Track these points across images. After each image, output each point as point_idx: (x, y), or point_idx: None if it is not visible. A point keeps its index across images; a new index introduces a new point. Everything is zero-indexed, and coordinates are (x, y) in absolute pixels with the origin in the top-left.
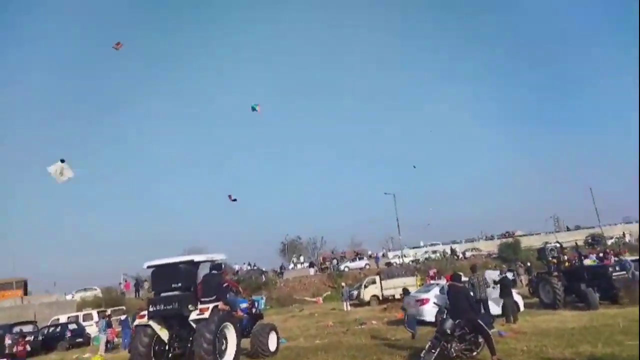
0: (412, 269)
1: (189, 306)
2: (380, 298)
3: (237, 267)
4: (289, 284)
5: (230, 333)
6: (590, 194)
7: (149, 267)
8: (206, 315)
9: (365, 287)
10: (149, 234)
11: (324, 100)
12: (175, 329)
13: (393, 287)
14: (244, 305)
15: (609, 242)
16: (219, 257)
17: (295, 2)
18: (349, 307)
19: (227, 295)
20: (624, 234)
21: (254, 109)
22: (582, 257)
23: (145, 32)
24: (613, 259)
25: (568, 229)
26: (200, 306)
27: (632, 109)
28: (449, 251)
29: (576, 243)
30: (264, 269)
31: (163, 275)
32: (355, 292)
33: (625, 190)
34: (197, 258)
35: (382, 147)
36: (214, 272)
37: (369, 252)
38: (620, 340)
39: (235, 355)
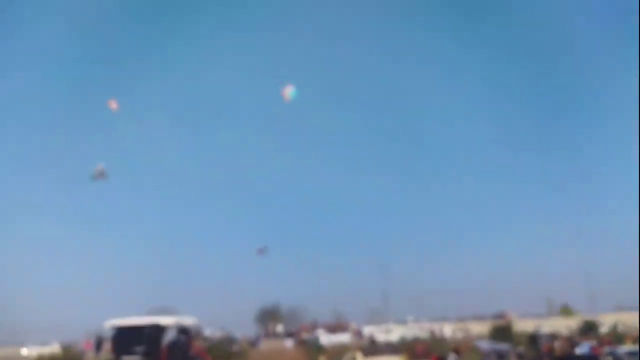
0: (398, 347)
1: None
2: None
3: (207, 332)
4: (262, 356)
5: None
6: (586, 279)
7: (111, 326)
8: None
9: None
10: (117, 286)
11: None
12: None
13: None
14: None
15: (602, 329)
16: (188, 320)
17: None
18: None
19: None
20: (616, 323)
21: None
22: (575, 345)
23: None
24: (606, 348)
25: (561, 313)
26: None
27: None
28: (438, 330)
29: (569, 330)
30: (236, 337)
31: (126, 337)
32: None
33: (620, 278)
34: (163, 321)
35: (375, 214)
36: (181, 337)
37: (353, 325)
38: None
39: None
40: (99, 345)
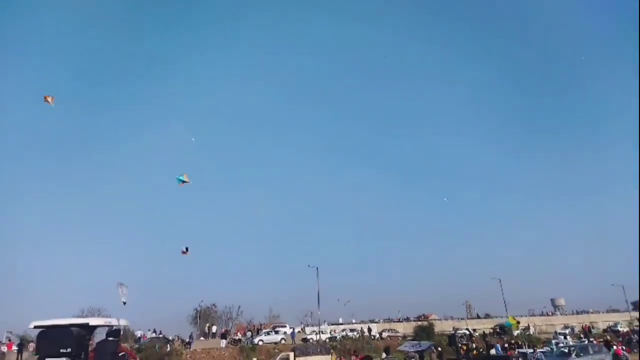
0: (328, 347)
1: None
2: None
3: (139, 334)
4: (196, 356)
5: None
6: (500, 285)
7: (36, 327)
8: None
9: None
10: (47, 289)
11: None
12: None
13: None
14: None
15: (515, 332)
16: (118, 322)
17: None
18: None
19: None
20: (528, 326)
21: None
22: (490, 346)
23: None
24: (517, 350)
25: (479, 317)
26: None
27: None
28: (366, 330)
29: (484, 332)
30: (170, 338)
31: (52, 338)
32: None
33: (530, 285)
34: (92, 322)
35: (310, 218)
36: (110, 338)
37: (287, 326)
38: None
39: None
40: (22, 346)
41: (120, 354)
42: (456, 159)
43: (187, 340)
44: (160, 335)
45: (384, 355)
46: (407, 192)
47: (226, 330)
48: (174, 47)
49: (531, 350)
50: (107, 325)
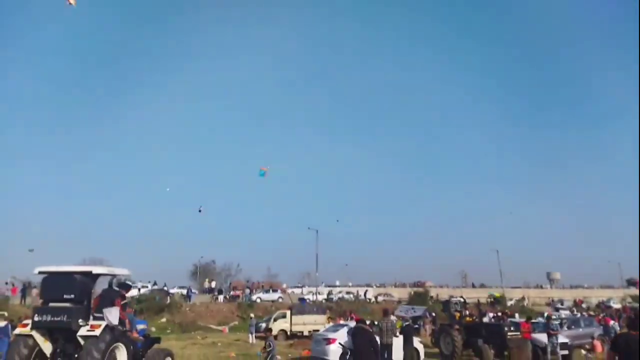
0: (324, 307)
1: (80, 321)
2: (289, 333)
3: (139, 285)
4: (195, 309)
5: (121, 354)
6: (497, 256)
7: (40, 272)
8: (97, 332)
9: (275, 320)
10: (49, 239)
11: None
12: (60, 343)
13: (303, 323)
14: (141, 326)
15: (509, 303)
16: (121, 272)
17: None
18: (254, 340)
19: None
20: (523, 297)
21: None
22: (483, 314)
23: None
24: (508, 319)
25: (474, 286)
26: (91, 322)
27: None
28: (362, 294)
29: (478, 300)
30: (170, 290)
31: (55, 283)
32: (263, 325)
33: (528, 257)
34: (96, 270)
35: (311, 184)
36: (115, 289)
37: (284, 285)
38: None
39: None
40: (25, 290)
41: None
42: (454, 135)
43: (187, 293)
44: (163, 287)
45: (381, 319)
46: (407, 168)
47: (220, 288)
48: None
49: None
50: (110, 274)
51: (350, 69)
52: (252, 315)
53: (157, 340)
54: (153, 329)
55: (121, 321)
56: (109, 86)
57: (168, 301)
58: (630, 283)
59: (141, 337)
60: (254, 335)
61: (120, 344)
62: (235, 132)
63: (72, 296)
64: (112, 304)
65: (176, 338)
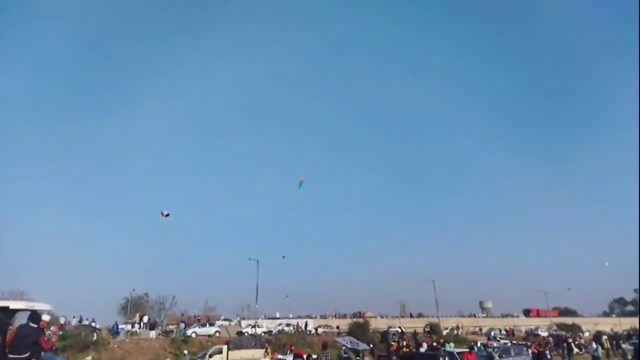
0: (263, 341)
1: None
2: None
3: (63, 320)
4: (124, 346)
5: None
6: (433, 286)
7: None
8: None
9: (210, 356)
10: None
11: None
12: None
13: (240, 358)
14: None
15: (444, 331)
16: (42, 307)
17: None
18: None
19: (43, 354)
20: (457, 326)
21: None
22: (419, 344)
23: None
24: (442, 349)
25: (412, 316)
26: None
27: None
28: (302, 325)
29: (415, 330)
30: (97, 326)
31: None
32: None
33: (461, 287)
34: (13, 305)
35: (250, 213)
36: (32, 324)
37: (222, 318)
38: None
39: None
40: None
41: (41, 340)
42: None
43: (115, 329)
44: (87, 323)
45: (320, 351)
46: (345, 197)
47: (154, 322)
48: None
49: (458, 350)
50: (29, 310)
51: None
52: (185, 351)
53: None
54: None
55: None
56: None
57: (95, 337)
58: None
59: None
60: None
61: None
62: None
63: None
64: (32, 344)
65: None
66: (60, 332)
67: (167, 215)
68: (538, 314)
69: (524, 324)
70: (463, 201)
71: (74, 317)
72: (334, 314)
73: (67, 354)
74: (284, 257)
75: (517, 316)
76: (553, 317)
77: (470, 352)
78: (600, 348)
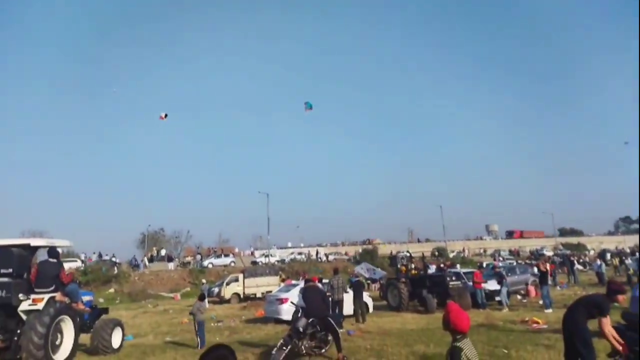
0: (277, 269)
1: (20, 295)
2: (242, 296)
3: (83, 256)
4: (144, 278)
5: (68, 327)
6: (440, 212)
7: None
8: (39, 306)
9: (227, 284)
10: None
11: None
12: (0, 319)
13: (256, 285)
14: (87, 298)
15: (451, 255)
16: (62, 243)
17: None
18: (207, 305)
19: (68, 286)
20: (463, 249)
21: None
22: (427, 267)
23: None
24: (451, 270)
25: (419, 241)
26: (33, 296)
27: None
28: (314, 253)
29: (423, 254)
30: (117, 261)
31: None
32: (216, 290)
33: (468, 212)
34: (34, 242)
35: (259, 147)
36: (51, 259)
37: (236, 249)
38: (449, 341)
39: (71, 351)
40: None
41: (61, 275)
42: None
43: (135, 262)
44: (107, 258)
45: (332, 277)
46: (353, 130)
47: (169, 254)
48: None
49: (465, 270)
50: (50, 246)
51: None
52: (203, 280)
53: (105, 310)
54: (101, 300)
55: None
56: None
57: (115, 271)
58: (562, 232)
59: (87, 309)
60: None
61: (66, 316)
62: (181, 102)
63: (10, 270)
64: (54, 277)
65: (126, 308)
66: (82, 268)
67: (166, 116)
68: (521, 235)
69: (530, 244)
70: (470, 131)
71: (93, 253)
72: (343, 242)
73: (90, 287)
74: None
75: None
76: (537, 237)
77: (480, 271)
78: (604, 265)
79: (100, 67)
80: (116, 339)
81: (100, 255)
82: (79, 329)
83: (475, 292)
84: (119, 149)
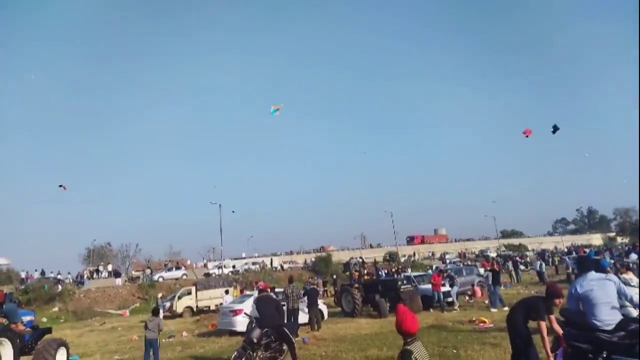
0: (231, 280)
1: None
2: (195, 309)
3: (24, 274)
4: (90, 295)
5: (6, 350)
6: (391, 218)
7: None
8: None
9: (179, 298)
10: None
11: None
12: None
13: (209, 297)
14: (27, 317)
15: (402, 259)
16: (0, 261)
17: None
18: (162, 320)
19: (5, 306)
20: (413, 253)
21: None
22: (379, 272)
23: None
24: (402, 274)
25: (371, 247)
26: None
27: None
28: (268, 263)
29: (375, 260)
30: (60, 278)
31: None
32: (167, 304)
33: (419, 216)
34: None
35: (210, 155)
36: None
37: (188, 262)
38: (402, 344)
39: None
40: None
41: None
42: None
43: (78, 279)
44: (52, 276)
45: (286, 286)
46: (306, 133)
47: (116, 270)
48: None
49: (416, 274)
50: None
51: None
52: (160, 294)
53: (48, 330)
54: (44, 319)
55: None
56: None
57: (59, 289)
58: (503, 234)
59: (28, 329)
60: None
61: (4, 338)
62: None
63: None
64: None
65: (71, 327)
66: (22, 287)
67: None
68: (422, 241)
69: (476, 246)
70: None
71: (35, 270)
72: (298, 250)
73: (32, 307)
74: (233, 212)
75: (469, 240)
76: (440, 242)
77: (438, 275)
78: (544, 264)
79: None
80: None
81: (42, 273)
82: (18, 352)
83: (434, 294)
84: (65, 162)
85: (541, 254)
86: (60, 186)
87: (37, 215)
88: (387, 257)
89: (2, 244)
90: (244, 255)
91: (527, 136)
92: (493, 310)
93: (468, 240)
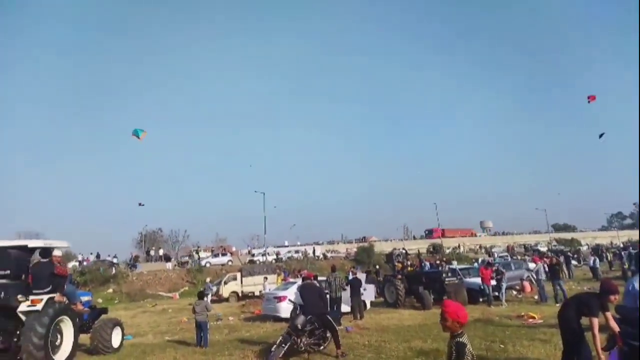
0: (274, 267)
1: (19, 296)
2: (240, 294)
3: (80, 257)
4: (142, 278)
5: (67, 327)
6: (435, 209)
7: None
8: (38, 307)
9: (225, 283)
10: None
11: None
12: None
13: (253, 284)
14: (85, 298)
15: (447, 251)
16: (60, 244)
17: None
18: (209, 304)
19: (66, 286)
20: (458, 246)
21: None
22: (423, 263)
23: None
24: (447, 266)
25: (415, 238)
26: (31, 297)
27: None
28: (310, 252)
29: (418, 251)
30: (114, 261)
31: None
32: (214, 288)
33: (464, 208)
34: (31, 243)
35: (256, 148)
36: (42, 260)
37: (233, 248)
38: (446, 337)
39: (71, 351)
40: None
41: (56, 272)
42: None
43: (132, 262)
44: (108, 259)
45: (329, 274)
46: (351, 126)
47: (166, 254)
48: None
49: (461, 266)
50: (48, 247)
51: None
52: (208, 279)
53: (104, 310)
54: (99, 300)
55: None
56: None
57: (113, 272)
58: (555, 228)
59: (86, 309)
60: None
61: (65, 317)
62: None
63: (8, 272)
64: (49, 277)
65: (125, 308)
66: (79, 269)
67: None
68: (443, 234)
69: (525, 240)
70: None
71: (91, 253)
72: (340, 240)
73: (88, 288)
74: (275, 207)
75: (517, 234)
76: (462, 236)
77: (486, 268)
78: (598, 260)
79: (98, 70)
80: (116, 339)
81: (98, 256)
82: (78, 329)
83: (484, 287)
84: (116, 150)
85: (595, 249)
86: (140, 204)
87: (94, 200)
88: (431, 249)
89: (60, 227)
90: (286, 243)
91: (589, 102)
92: (557, 305)
93: (517, 234)
